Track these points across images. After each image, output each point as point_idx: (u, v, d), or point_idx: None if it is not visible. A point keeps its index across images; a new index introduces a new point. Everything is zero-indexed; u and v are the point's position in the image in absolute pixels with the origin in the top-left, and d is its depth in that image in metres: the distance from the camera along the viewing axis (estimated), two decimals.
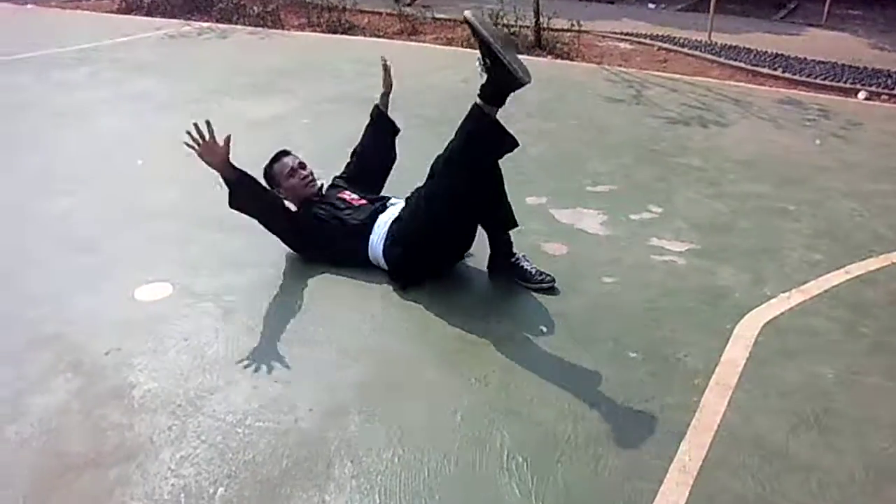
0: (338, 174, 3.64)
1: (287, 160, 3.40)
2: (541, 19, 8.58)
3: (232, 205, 3.07)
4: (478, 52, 2.73)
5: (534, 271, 3.13)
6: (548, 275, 3.13)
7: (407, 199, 3.24)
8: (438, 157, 2.93)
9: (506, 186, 3.12)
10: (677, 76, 7.23)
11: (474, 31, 2.66)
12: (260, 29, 9.39)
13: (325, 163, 4.53)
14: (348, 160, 3.77)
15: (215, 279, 3.14)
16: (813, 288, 3.21)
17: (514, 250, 3.21)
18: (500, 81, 2.70)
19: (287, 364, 2.59)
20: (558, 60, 7.87)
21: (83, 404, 2.38)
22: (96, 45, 8.22)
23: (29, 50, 7.87)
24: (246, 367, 2.57)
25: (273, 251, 3.33)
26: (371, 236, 3.18)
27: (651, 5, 12.14)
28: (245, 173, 3.03)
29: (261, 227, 3.24)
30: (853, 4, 12.36)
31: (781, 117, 5.83)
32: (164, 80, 6.68)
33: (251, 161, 3.77)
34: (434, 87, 6.41)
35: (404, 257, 3.08)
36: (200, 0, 10.59)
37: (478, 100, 2.78)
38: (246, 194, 3.05)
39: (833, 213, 3.99)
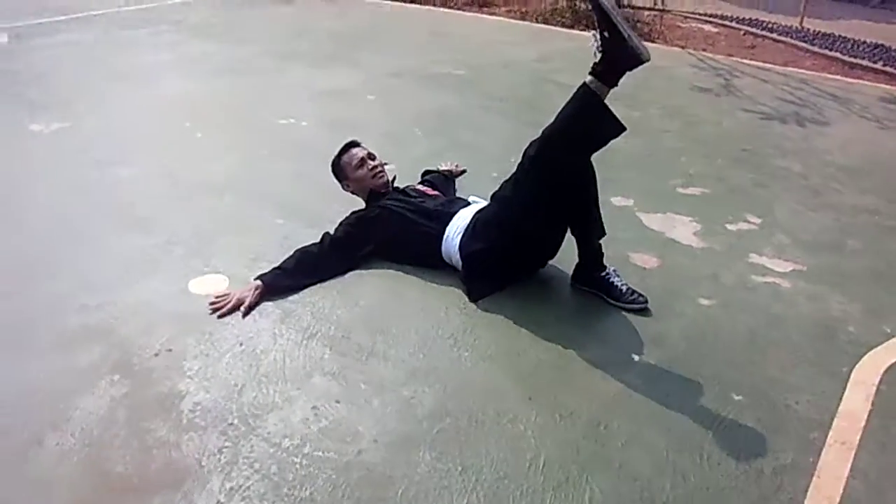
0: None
1: (356, 151, 3.16)
2: None
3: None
4: (592, 29, 2.45)
5: (625, 289, 2.82)
6: (640, 294, 2.81)
7: (493, 196, 2.94)
8: (532, 141, 2.62)
9: None
10: (768, 65, 6.72)
11: (591, 2, 2.36)
12: None
13: (395, 142, 4.27)
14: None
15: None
16: None
17: (605, 262, 2.88)
18: (618, 57, 2.39)
19: (351, 381, 2.34)
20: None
21: (129, 413, 2.17)
22: (157, 4, 8.04)
23: (92, 7, 7.73)
24: (305, 380, 2.32)
25: None
26: (448, 228, 2.90)
27: None
28: (286, 264, 2.86)
29: (324, 213, 3.00)
30: None
31: (887, 118, 5.32)
32: (226, 43, 6.47)
33: (315, 139, 3.51)
34: (510, 66, 6.05)
35: (483, 255, 2.79)
36: None
37: (588, 77, 2.46)
38: (307, 270, 2.87)
39: None
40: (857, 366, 2.56)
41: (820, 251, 3.33)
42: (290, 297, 2.76)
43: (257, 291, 2.69)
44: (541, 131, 2.60)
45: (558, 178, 2.59)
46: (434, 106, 4.97)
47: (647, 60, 2.39)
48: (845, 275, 3.14)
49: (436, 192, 3.17)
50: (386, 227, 2.96)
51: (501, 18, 8.38)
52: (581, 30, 7.80)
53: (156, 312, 2.64)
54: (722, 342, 2.64)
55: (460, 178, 3.83)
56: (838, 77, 6.48)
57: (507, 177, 2.86)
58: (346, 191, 3.16)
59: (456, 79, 5.62)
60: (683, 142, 4.59)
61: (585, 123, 2.51)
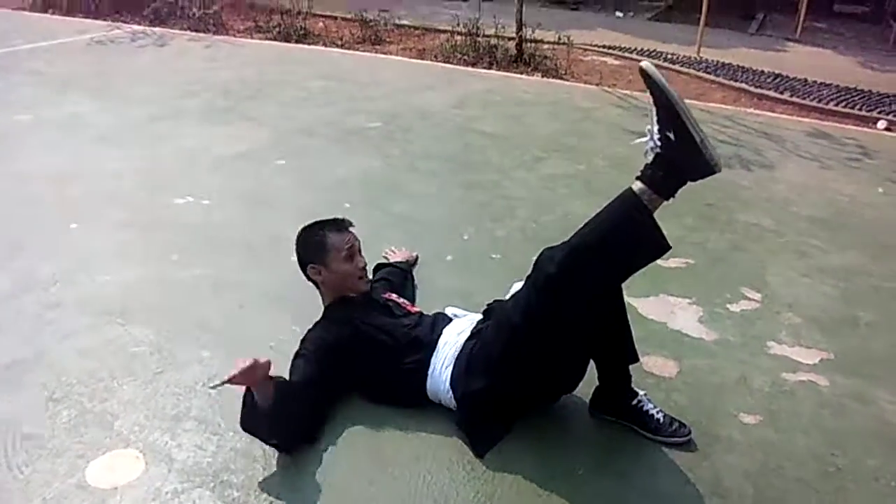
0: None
1: (348, 235, 2.44)
2: (524, 30, 7.76)
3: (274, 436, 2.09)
4: (653, 118, 1.89)
5: (663, 419, 2.27)
6: (682, 424, 2.28)
7: (487, 310, 2.33)
8: (548, 251, 2.01)
9: None
10: (689, 102, 6.49)
11: (656, 90, 1.81)
12: (202, 34, 8.22)
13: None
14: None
15: (207, 444, 2.14)
16: None
17: (634, 387, 2.32)
18: (685, 165, 1.84)
19: None
20: (552, 80, 7.04)
21: None
22: (9, 50, 6.92)
23: None
24: None
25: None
26: (433, 359, 2.26)
27: (619, 13, 11.49)
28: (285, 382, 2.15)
29: (263, 336, 2.27)
30: (816, 17, 12.02)
31: (823, 155, 5.17)
32: (100, 100, 5.51)
33: (227, 224, 2.83)
34: (426, 116, 5.46)
35: (485, 397, 2.15)
36: None
37: (637, 185, 1.90)
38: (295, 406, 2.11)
39: None
40: None
41: (837, 331, 2.94)
42: (233, 476, 2.01)
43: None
44: (564, 241, 2.00)
45: (583, 303, 2.00)
46: (356, 170, 4.30)
47: (720, 171, 1.85)
48: (877, 360, 2.76)
49: (416, 309, 2.52)
50: (362, 360, 2.28)
51: (400, 58, 7.82)
52: (484, 68, 7.37)
53: None
54: (791, 481, 2.14)
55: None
56: (758, 112, 6.36)
57: (508, 294, 2.26)
58: (310, 277, 2.43)
59: (372, 133, 4.98)
60: None
61: (627, 240, 1.94)
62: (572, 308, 2.00)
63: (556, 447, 2.21)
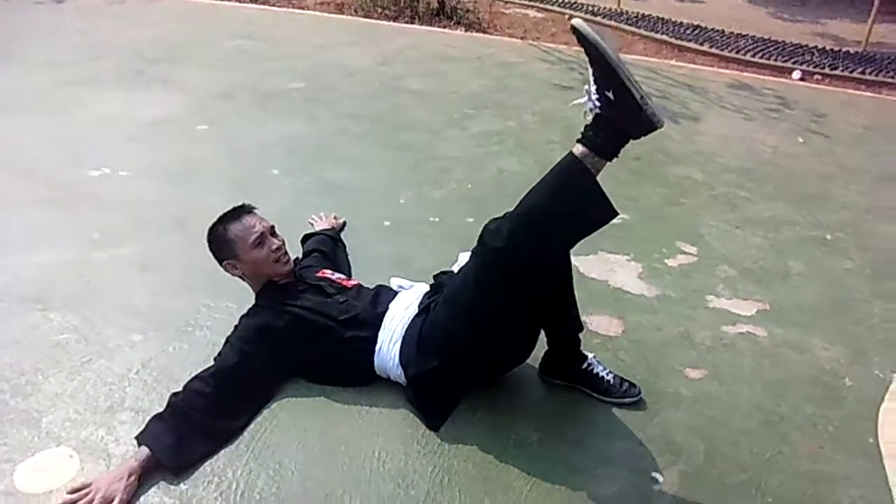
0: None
1: (251, 220, 2.27)
2: None
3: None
4: (590, 78, 1.82)
5: (613, 380, 2.29)
6: (632, 384, 2.30)
7: (436, 284, 2.27)
8: (494, 223, 1.96)
9: None
10: None
11: (590, 48, 1.75)
12: None
13: (248, 189, 3.42)
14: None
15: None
16: None
17: (584, 350, 2.32)
18: (625, 123, 1.79)
19: None
20: (475, 34, 6.92)
21: None
22: None
23: None
24: None
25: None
26: (380, 335, 2.19)
27: None
28: (171, 420, 1.99)
29: (196, 318, 2.15)
30: None
31: (746, 107, 5.28)
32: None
33: (149, 198, 2.69)
34: (352, 73, 5.28)
35: (437, 375, 2.11)
36: None
37: (579, 148, 1.85)
38: (205, 426, 2.02)
39: (875, 241, 3.44)
40: (879, 434, 2.24)
41: (770, 283, 3.02)
42: (184, 472, 1.91)
43: (131, 478, 1.82)
44: (509, 212, 1.95)
45: (533, 273, 1.96)
46: (282, 134, 4.13)
47: (662, 126, 1.81)
48: (809, 309, 2.86)
49: (354, 282, 2.43)
50: (298, 344, 2.19)
51: (316, 13, 7.53)
52: (406, 22, 7.18)
53: None
54: (738, 433, 2.20)
55: (344, 232, 3.10)
56: (680, 64, 6.44)
57: (456, 265, 2.22)
58: (230, 273, 2.29)
59: (296, 95, 4.79)
60: None
61: (572, 207, 1.89)
62: (523, 281, 1.96)
63: (510, 416, 2.19)
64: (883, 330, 2.76)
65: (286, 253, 2.31)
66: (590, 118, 1.85)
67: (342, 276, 2.45)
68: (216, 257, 2.28)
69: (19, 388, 2.15)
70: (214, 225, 2.28)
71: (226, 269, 2.28)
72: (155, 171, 3.57)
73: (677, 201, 3.68)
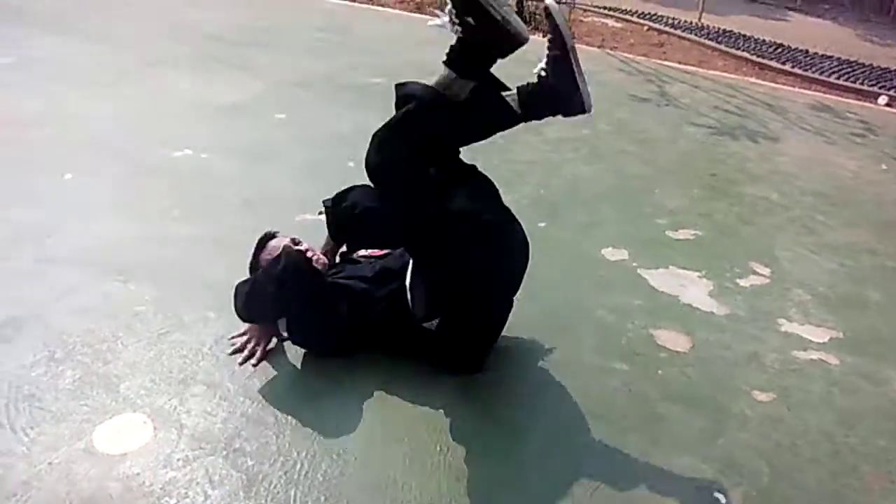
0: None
1: (274, 244, 2.42)
2: None
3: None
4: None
5: None
6: None
7: None
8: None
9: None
10: (691, 68, 6.44)
11: None
12: None
13: (321, 177, 3.48)
14: None
15: (217, 410, 2.08)
16: None
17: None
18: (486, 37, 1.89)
19: None
20: None
21: None
22: None
23: None
24: None
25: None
26: (406, 283, 2.24)
27: None
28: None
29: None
30: None
31: (826, 130, 5.13)
32: (87, 42, 5.29)
33: (226, 178, 2.73)
34: (431, 73, 5.30)
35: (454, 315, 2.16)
36: None
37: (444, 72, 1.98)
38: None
39: None
40: None
41: (846, 309, 2.94)
42: (251, 450, 1.96)
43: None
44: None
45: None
46: (360, 127, 4.14)
47: (526, 41, 1.89)
48: (886, 341, 2.77)
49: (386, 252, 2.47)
50: (344, 316, 2.24)
51: (396, 11, 7.62)
52: None
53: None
54: (804, 460, 2.14)
55: None
56: (761, 82, 6.30)
57: None
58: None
59: (375, 90, 4.85)
60: (648, 167, 4.11)
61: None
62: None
63: (573, 422, 2.18)
64: None
65: (314, 253, 2.41)
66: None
67: (375, 252, 2.47)
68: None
69: (100, 354, 2.23)
70: (252, 264, 2.44)
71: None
72: (233, 154, 3.67)
73: (752, 221, 3.61)
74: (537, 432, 2.12)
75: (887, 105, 6.23)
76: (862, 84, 6.65)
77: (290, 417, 2.06)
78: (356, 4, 7.67)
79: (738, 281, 3.05)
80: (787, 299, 2.96)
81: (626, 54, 6.59)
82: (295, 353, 2.30)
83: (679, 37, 7.76)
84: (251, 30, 5.94)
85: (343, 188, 2.36)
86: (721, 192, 3.89)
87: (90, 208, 3.06)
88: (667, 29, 7.95)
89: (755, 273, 3.13)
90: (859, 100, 6.24)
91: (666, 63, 6.61)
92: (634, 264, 3.06)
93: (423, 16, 7.44)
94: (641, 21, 8.19)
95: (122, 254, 2.76)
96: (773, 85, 6.25)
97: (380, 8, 7.66)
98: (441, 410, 2.15)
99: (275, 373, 2.22)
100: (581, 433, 2.13)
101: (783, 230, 3.55)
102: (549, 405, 2.23)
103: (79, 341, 2.28)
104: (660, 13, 8.60)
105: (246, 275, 2.41)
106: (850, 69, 7.04)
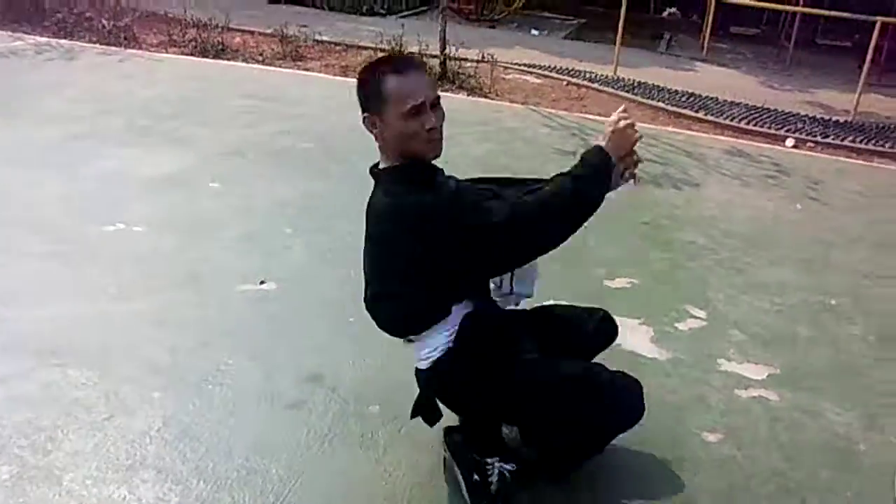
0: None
1: (417, 83, 1.81)
2: (447, 48, 7.81)
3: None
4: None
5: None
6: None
7: None
8: None
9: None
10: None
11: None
12: (113, 48, 7.86)
13: (263, 246, 3.46)
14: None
15: (169, 495, 2.00)
16: None
17: None
18: None
19: None
20: (478, 98, 7.10)
21: None
22: None
23: None
24: None
25: None
26: None
27: (534, 31, 11.72)
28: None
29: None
30: (718, 37, 12.60)
31: (743, 174, 5.41)
32: (7, 117, 5.15)
33: (164, 253, 2.68)
34: (361, 136, 5.36)
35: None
36: (28, 6, 8.83)
37: None
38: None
39: (877, 306, 3.52)
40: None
41: (779, 347, 3.07)
42: None
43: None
44: None
45: None
46: (297, 192, 4.19)
47: None
48: (819, 374, 2.90)
49: None
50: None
51: (322, 75, 7.71)
52: None
53: None
54: (758, 497, 2.22)
55: None
56: (677, 130, 6.61)
57: None
58: (367, 128, 1.89)
59: (307, 154, 4.87)
60: None
61: None
62: None
63: (527, 475, 2.19)
64: (891, 394, 2.80)
65: (441, 136, 1.87)
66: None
67: None
68: (361, 104, 1.88)
69: (38, 445, 2.13)
70: (373, 67, 1.87)
71: (364, 122, 1.89)
72: (168, 227, 3.61)
73: (684, 265, 3.75)
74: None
75: (794, 147, 6.60)
76: (769, 128, 7.04)
77: (247, 498, 2.00)
78: (283, 70, 7.73)
79: (676, 325, 3.15)
80: (724, 340, 3.07)
81: (549, 109, 6.82)
82: (253, 432, 2.25)
83: (597, 90, 8.08)
84: (180, 101, 5.90)
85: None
86: (653, 239, 4.04)
87: (20, 291, 2.96)
88: (585, 83, 8.27)
89: (692, 316, 3.24)
90: (769, 143, 6.60)
91: (587, 116, 6.86)
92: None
93: (349, 79, 7.54)
94: (560, 76, 8.50)
95: (57, 337, 2.66)
96: (689, 132, 6.56)
97: (306, 73, 7.74)
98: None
99: (227, 451, 2.17)
100: (539, 493, 2.14)
101: (714, 272, 3.69)
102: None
103: (14, 433, 2.18)
104: (577, 68, 8.95)
105: (188, 351, 2.36)
106: (757, 114, 7.46)
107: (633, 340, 3.00)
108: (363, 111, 1.88)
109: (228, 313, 2.88)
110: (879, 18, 7.59)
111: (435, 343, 1.95)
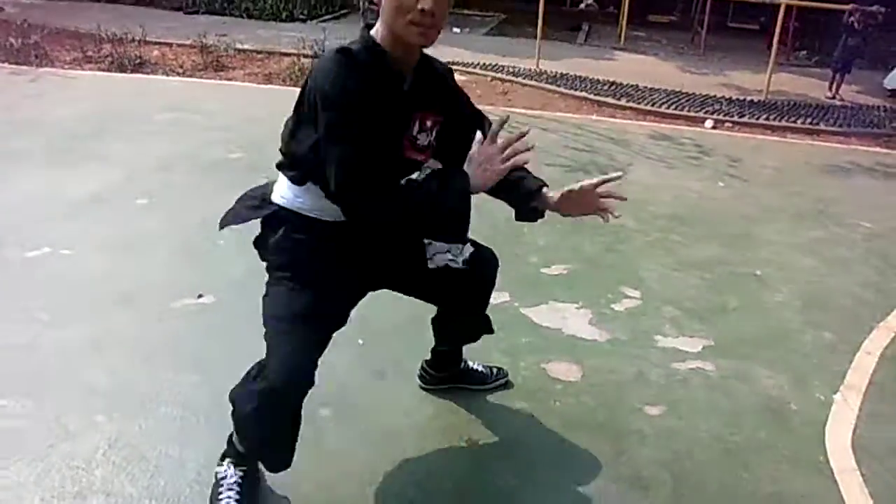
0: None
1: None
2: None
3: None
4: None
5: (485, 370, 2.57)
6: (499, 368, 2.60)
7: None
8: None
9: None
10: (538, 112, 6.84)
11: None
12: (24, 67, 7.58)
13: (197, 260, 3.40)
14: None
15: None
16: (856, 381, 2.79)
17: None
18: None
19: None
20: None
21: None
22: None
23: None
24: None
25: None
26: None
27: (455, 29, 11.82)
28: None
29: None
30: (634, 26, 12.97)
31: (667, 156, 5.60)
32: None
33: (96, 277, 2.62)
34: None
35: None
36: None
37: None
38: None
39: (799, 275, 3.71)
40: (826, 451, 2.39)
41: (711, 318, 3.21)
42: None
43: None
44: None
45: None
46: (227, 203, 4.11)
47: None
48: (750, 341, 3.04)
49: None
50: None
51: (245, 84, 7.62)
52: None
53: None
54: (702, 464, 2.31)
55: None
56: (602, 118, 6.78)
57: None
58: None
59: (236, 165, 4.81)
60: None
61: None
62: None
63: (486, 459, 2.23)
64: (817, 356, 2.96)
65: (434, 28, 1.67)
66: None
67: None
68: None
69: None
70: None
71: None
72: (97, 247, 3.52)
73: (616, 248, 3.85)
74: (448, 479, 2.16)
75: (713, 128, 6.86)
76: (689, 111, 7.30)
77: None
78: (205, 81, 7.60)
79: (613, 307, 3.25)
80: (659, 316, 3.18)
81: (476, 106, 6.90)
82: (204, 446, 2.22)
83: (521, 84, 8.22)
84: (99, 118, 5.73)
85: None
86: (583, 225, 4.11)
87: None
88: (509, 77, 8.40)
89: (627, 297, 3.34)
90: (690, 125, 6.85)
91: (513, 109, 6.97)
92: (516, 304, 3.19)
93: (273, 86, 7.48)
94: (485, 72, 8.61)
95: None
96: (613, 120, 6.74)
97: (229, 82, 7.63)
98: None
99: (178, 467, 2.14)
100: (491, 474, 2.19)
101: (645, 253, 3.81)
102: (457, 453, 2.27)
103: None
104: (500, 63, 9.07)
105: (129, 370, 2.31)
106: (676, 99, 7.72)
107: (574, 325, 3.08)
108: None
109: (168, 329, 2.83)
110: (784, 1, 7.94)
111: (278, 193, 1.88)
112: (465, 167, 1.77)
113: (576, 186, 1.93)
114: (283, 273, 1.87)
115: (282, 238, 1.88)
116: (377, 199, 1.70)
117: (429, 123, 1.84)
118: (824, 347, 3.04)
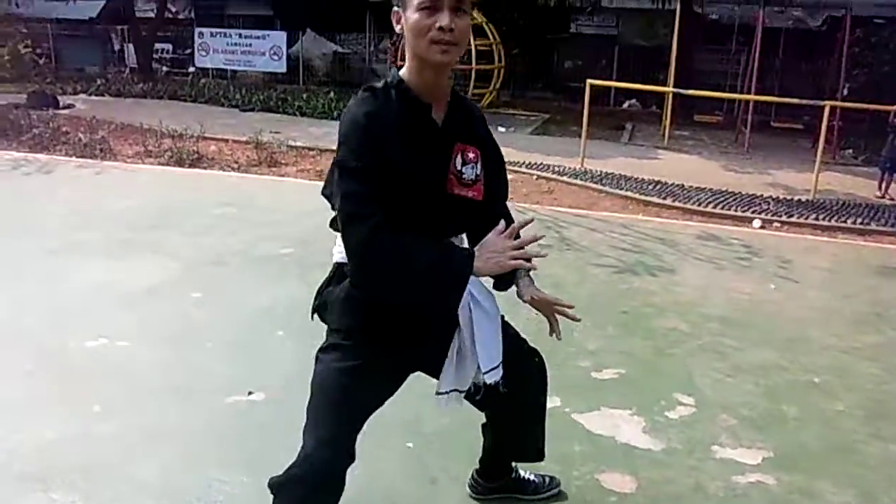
0: None
1: None
2: None
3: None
4: None
5: (537, 480, 2.48)
6: (551, 477, 2.52)
7: None
8: None
9: None
10: (584, 212, 6.89)
11: None
12: (89, 160, 7.98)
13: (252, 353, 3.44)
14: None
15: None
16: None
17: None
18: None
19: None
20: None
21: None
22: None
23: None
24: None
25: None
26: None
27: (501, 129, 12.12)
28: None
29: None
30: (678, 125, 13.14)
31: (716, 257, 5.55)
32: None
33: (151, 368, 2.64)
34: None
35: None
36: (5, 123, 8.98)
37: None
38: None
39: (860, 382, 3.58)
40: None
41: (770, 428, 3.10)
42: None
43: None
44: None
45: None
46: (280, 299, 4.20)
47: None
48: (811, 454, 2.92)
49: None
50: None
51: (298, 180, 7.87)
52: None
53: None
54: None
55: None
56: (647, 218, 6.79)
57: None
58: (394, 22, 1.77)
59: (287, 260, 4.92)
60: None
61: None
62: None
63: None
64: (885, 470, 2.81)
65: (456, 45, 1.69)
66: None
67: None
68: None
69: None
70: None
71: (391, 16, 1.77)
72: (152, 339, 3.58)
73: (667, 352, 3.78)
74: None
75: (762, 228, 6.82)
76: (736, 211, 7.28)
77: None
78: (258, 176, 7.89)
79: (667, 414, 3.16)
80: (715, 425, 3.08)
81: (521, 204, 6.98)
82: None
83: (566, 183, 8.33)
84: (158, 211, 5.96)
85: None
86: (634, 327, 4.09)
87: (2, 411, 2.89)
88: (553, 176, 8.53)
89: (681, 404, 3.25)
90: (737, 225, 6.81)
91: (559, 209, 7.04)
92: (567, 409, 3.13)
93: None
94: (530, 171, 8.76)
95: (41, 459, 2.59)
96: (659, 220, 6.75)
97: (282, 178, 7.90)
98: None
99: None
100: None
101: (697, 358, 3.73)
102: None
103: None
104: (545, 162, 9.24)
105: (179, 468, 2.30)
106: (723, 198, 7.72)
107: (627, 432, 3.00)
108: (394, 4, 1.76)
109: (218, 426, 2.84)
110: (828, 103, 8.00)
111: (336, 250, 1.89)
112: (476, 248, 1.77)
113: (538, 297, 2.08)
114: (340, 337, 1.86)
115: (343, 296, 1.84)
116: (381, 237, 1.67)
117: (471, 156, 1.82)
118: (892, 461, 2.89)
